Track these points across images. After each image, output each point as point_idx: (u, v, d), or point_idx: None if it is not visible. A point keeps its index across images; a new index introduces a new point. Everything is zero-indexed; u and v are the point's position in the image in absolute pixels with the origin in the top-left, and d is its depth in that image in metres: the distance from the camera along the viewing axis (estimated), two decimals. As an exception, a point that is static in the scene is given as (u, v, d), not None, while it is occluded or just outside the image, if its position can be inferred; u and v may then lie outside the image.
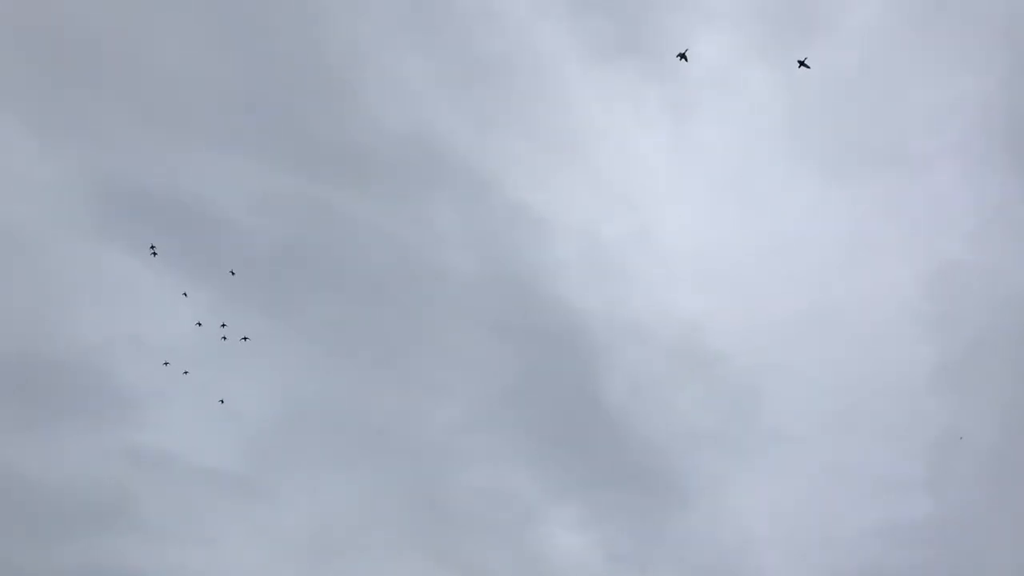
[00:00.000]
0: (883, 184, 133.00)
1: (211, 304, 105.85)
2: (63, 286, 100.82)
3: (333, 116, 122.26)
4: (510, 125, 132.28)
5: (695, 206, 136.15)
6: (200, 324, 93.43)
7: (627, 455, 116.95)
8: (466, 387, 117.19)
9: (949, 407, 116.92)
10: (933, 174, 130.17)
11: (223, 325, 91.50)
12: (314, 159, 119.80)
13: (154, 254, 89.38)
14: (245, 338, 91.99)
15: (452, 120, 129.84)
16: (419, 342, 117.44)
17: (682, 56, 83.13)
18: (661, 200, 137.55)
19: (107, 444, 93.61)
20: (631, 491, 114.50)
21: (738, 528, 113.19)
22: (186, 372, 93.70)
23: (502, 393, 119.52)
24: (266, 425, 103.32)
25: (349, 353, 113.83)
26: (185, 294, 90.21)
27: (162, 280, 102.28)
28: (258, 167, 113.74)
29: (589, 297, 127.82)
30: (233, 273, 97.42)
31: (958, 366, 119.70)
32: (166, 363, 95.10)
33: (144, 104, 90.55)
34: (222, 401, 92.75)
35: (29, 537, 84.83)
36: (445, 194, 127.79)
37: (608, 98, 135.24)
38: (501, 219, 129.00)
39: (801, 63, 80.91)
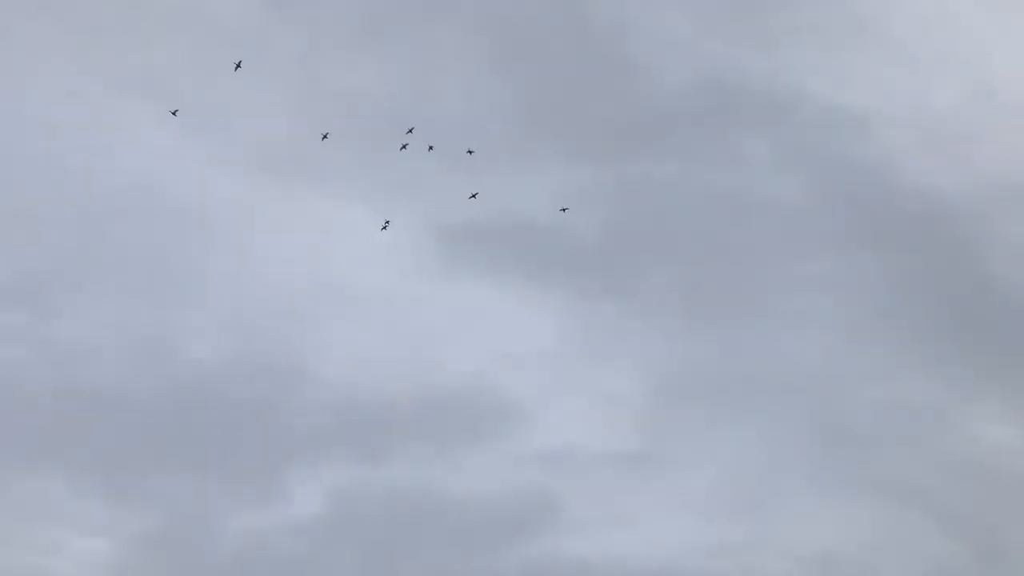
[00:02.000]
0: None
1: (560, 306, 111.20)
2: (430, 326, 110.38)
3: (615, 91, 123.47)
4: (795, 33, 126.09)
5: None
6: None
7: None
8: (835, 311, 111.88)
9: None
10: None
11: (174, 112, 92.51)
12: (609, 139, 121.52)
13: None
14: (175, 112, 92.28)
15: (733, 52, 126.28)
16: (768, 280, 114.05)
17: None
18: (989, 48, 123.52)
19: (515, 452, 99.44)
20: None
21: None
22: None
23: (875, 305, 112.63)
24: (647, 401, 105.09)
25: (701, 313, 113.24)
26: None
27: (508, 296, 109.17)
28: (559, 167, 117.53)
29: (942, 176, 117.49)
30: None
31: None
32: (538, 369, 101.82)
33: (443, 146, 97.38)
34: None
35: (466, 549, 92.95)
36: (750, 129, 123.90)
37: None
38: (816, 131, 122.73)
39: None
